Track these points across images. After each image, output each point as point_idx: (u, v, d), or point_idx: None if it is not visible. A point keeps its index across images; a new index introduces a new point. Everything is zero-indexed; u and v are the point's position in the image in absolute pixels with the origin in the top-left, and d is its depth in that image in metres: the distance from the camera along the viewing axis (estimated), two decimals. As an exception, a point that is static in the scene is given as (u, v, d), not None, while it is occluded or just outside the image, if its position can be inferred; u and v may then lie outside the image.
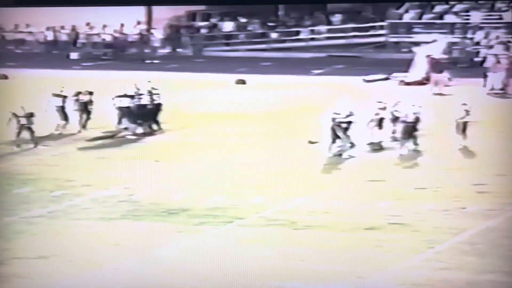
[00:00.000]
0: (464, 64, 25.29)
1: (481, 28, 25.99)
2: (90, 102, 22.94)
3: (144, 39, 27.30)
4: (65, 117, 22.95)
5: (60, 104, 22.94)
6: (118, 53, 27.05)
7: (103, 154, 21.22)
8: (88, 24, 27.45)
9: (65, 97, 22.95)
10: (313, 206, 18.51)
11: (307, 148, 21.22)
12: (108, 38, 27.62)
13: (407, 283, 16.10)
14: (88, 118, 22.93)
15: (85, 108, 22.96)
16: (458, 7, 26.40)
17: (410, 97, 21.85)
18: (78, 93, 22.96)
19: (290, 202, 18.72)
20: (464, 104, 21.01)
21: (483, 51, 25.04)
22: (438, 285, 15.97)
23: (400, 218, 17.94)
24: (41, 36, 27.61)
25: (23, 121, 21.82)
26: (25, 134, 21.89)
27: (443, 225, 17.62)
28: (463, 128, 20.94)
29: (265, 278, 16.47)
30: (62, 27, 27.65)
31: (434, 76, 24.32)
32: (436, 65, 24.60)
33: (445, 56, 24.97)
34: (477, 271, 16.20)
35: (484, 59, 24.57)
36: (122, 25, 27.28)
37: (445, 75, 24.27)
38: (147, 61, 26.34)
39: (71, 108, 22.96)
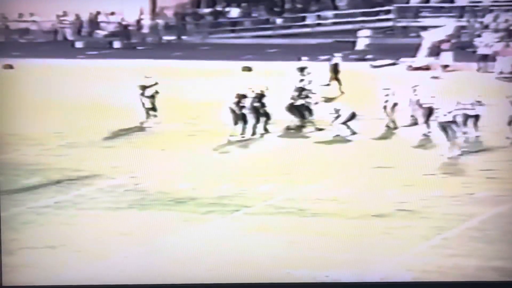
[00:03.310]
0: (472, 48, 25.08)
1: (490, 11, 25.77)
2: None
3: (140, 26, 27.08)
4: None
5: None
6: (124, 41, 26.92)
7: (110, 143, 21.18)
8: (98, 13, 27.24)
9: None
10: (321, 194, 18.45)
11: (315, 135, 21.13)
12: (113, 27, 27.45)
13: (416, 270, 16.05)
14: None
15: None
16: None
17: (418, 82, 21.72)
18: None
19: (297, 189, 18.65)
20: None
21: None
22: (447, 271, 15.92)
23: (408, 204, 17.86)
24: (45, 25, 27.46)
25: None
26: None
27: (452, 212, 17.54)
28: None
29: (273, 266, 16.46)
30: (66, 15, 27.49)
31: (439, 61, 24.16)
32: (439, 50, 24.42)
33: (448, 40, 24.78)
34: (486, 257, 16.14)
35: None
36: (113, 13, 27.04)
37: (448, 59, 24.11)
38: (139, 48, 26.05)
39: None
